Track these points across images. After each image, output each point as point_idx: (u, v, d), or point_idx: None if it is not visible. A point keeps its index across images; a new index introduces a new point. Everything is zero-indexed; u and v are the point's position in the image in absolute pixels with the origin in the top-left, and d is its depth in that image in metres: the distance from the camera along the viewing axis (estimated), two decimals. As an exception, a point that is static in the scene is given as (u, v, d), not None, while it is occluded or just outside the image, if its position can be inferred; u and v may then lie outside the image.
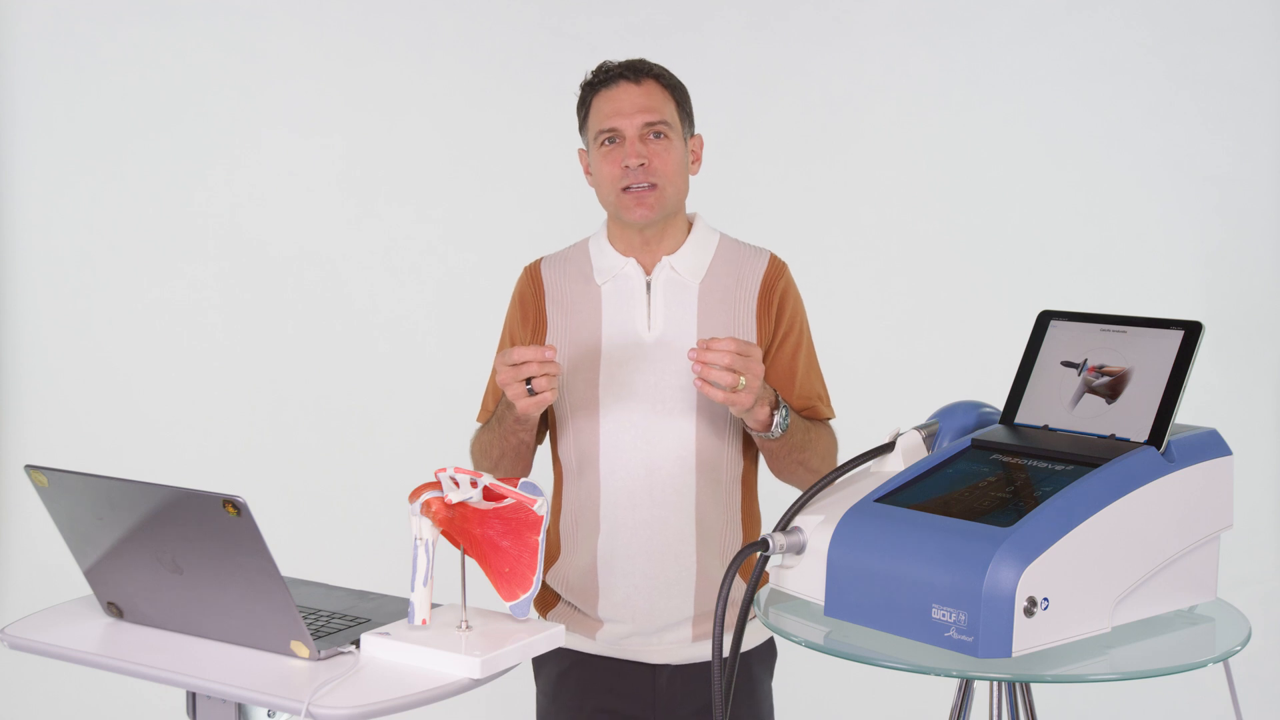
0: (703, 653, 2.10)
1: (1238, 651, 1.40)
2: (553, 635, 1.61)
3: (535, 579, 1.58)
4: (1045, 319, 1.60)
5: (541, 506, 1.56)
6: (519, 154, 3.66)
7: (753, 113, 3.65)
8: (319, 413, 3.73)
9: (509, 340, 2.18)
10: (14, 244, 3.72)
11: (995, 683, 1.51)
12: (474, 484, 1.56)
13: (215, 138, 3.70)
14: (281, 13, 3.69)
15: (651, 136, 2.05)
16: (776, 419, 1.96)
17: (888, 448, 1.59)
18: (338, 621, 1.67)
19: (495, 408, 2.10)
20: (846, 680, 2.77)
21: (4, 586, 3.72)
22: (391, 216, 3.75)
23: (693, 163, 2.14)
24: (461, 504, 1.57)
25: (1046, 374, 1.56)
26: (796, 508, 1.53)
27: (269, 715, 1.54)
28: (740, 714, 2.13)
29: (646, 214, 2.05)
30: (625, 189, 2.05)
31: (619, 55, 2.13)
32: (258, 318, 3.73)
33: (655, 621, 2.07)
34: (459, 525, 1.59)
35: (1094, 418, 1.50)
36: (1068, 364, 1.55)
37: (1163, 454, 1.43)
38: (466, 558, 1.61)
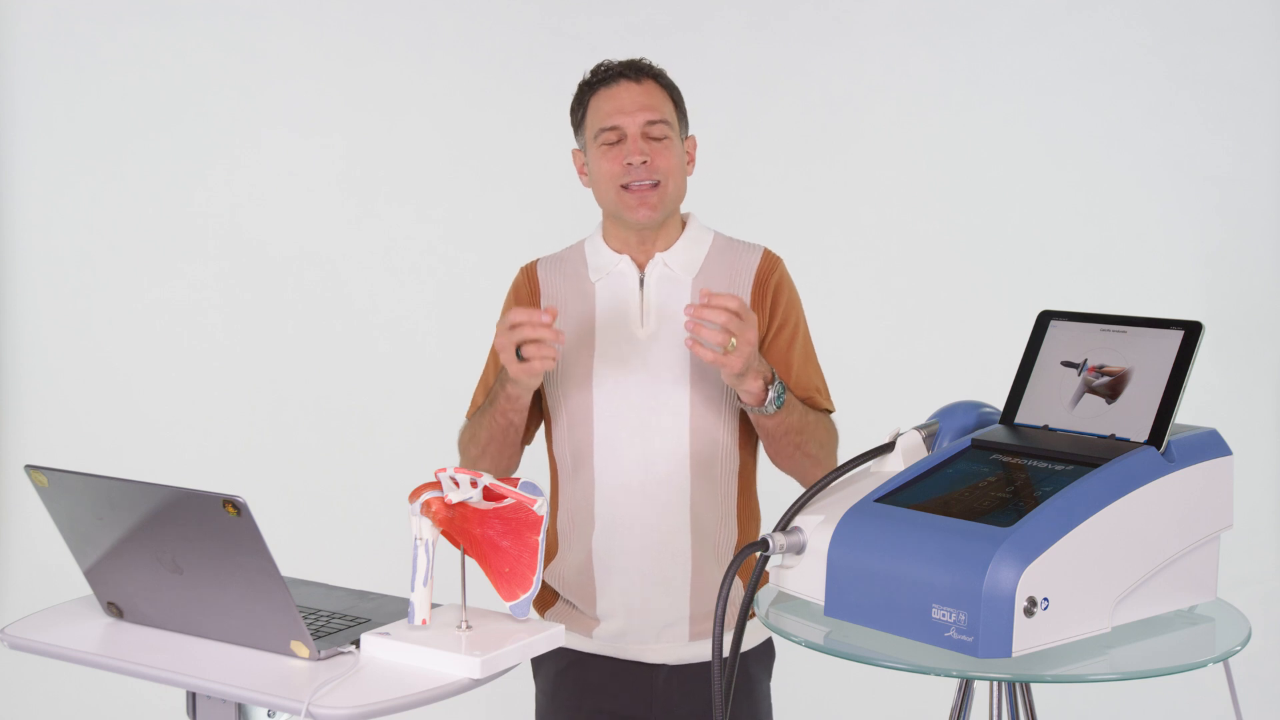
0: (700, 653, 2.10)
1: (1238, 651, 1.40)
2: (552, 635, 1.61)
3: (535, 579, 1.58)
4: (1045, 319, 1.60)
5: (541, 506, 1.56)
6: (519, 154, 3.66)
7: (753, 113, 3.65)
8: (319, 413, 3.73)
9: None
10: (14, 244, 3.72)
11: (995, 683, 1.51)
12: (474, 484, 1.56)
13: (215, 138, 3.70)
14: (281, 13, 3.69)
15: (653, 135, 2.05)
16: (771, 393, 1.95)
17: (888, 448, 1.59)
18: (338, 621, 1.67)
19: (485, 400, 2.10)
20: (846, 680, 2.77)
21: (4, 586, 3.72)
22: (391, 216, 3.75)
23: (688, 163, 2.15)
24: (461, 504, 1.57)
25: (1046, 374, 1.56)
26: (796, 507, 1.53)
27: (269, 715, 1.54)
28: (739, 715, 2.13)
29: (650, 214, 2.06)
30: (625, 186, 2.05)
31: (619, 55, 2.13)
32: (258, 318, 3.73)
33: (651, 619, 2.08)
34: (459, 525, 1.59)
35: (1094, 418, 1.50)
36: (1068, 364, 1.55)
37: (1163, 454, 1.43)
38: (466, 558, 1.61)
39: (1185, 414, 1.48)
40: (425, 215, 3.75)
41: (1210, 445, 1.47)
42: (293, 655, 1.55)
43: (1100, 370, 1.52)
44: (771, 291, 2.11)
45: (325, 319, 3.73)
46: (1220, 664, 1.40)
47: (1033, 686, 1.53)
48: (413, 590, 1.58)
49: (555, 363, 1.91)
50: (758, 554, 1.48)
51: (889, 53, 3.62)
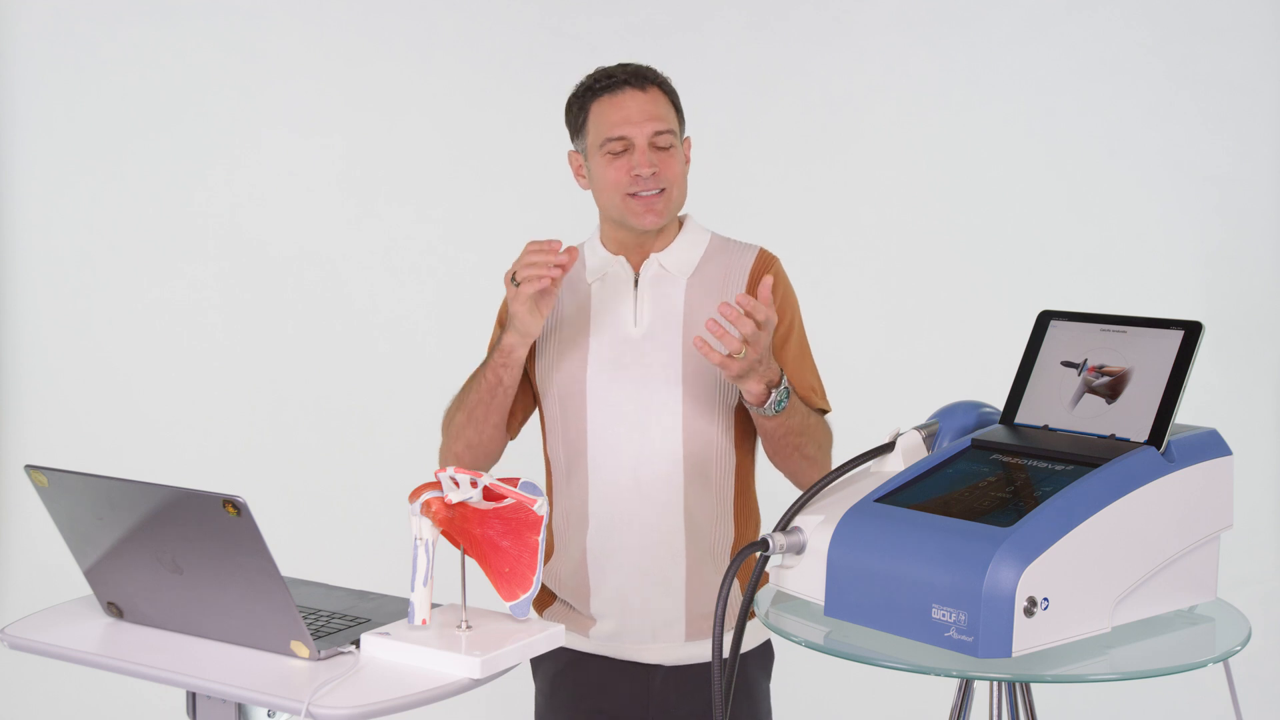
0: (697, 654, 2.10)
1: (1238, 651, 1.40)
2: (552, 635, 1.61)
3: (535, 579, 1.58)
4: (1045, 319, 1.60)
5: (541, 506, 1.56)
6: (519, 154, 3.66)
7: (753, 113, 3.64)
8: (319, 413, 3.73)
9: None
10: (14, 244, 3.72)
11: (995, 683, 1.51)
12: (474, 484, 1.56)
13: (215, 138, 3.70)
14: (281, 13, 3.69)
15: (659, 145, 2.06)
16: (774, 396, 1.95)
17: (888, 448, 1.59)
18: (338, 621, 1.67)
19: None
20: (846, 680, 2.77)
21: (4, 586, 3.72)
22: (391, 216, 3.75)
23: (684, 164, 2.15)
24: (461, 504, 1.57)
25: (1046, 374, 1.56)
26: (796, 507, 1.53)
27: (269, 715, 1.54)
28: (739, 716, 2.12)
29: (657, 220, 2.07)
30: (631, 194, 2.05)
31: (619, 55, 2.13)
32: (258, 318, 3.73)
33: (647, 619, 2.08)
34: (459, 525, 1.59)
35: (1094, 418, 1.50)
36: (1068, 364, 1.55)
37: (1163, 454, 1.43)
38: (466, 558, 1.61)
39: (1185, 414, 1.48)
40: (425, 215, 3.74)
41: (1210, 445, 1.47)
42: (293, 655, 1.55)
43: (1100, 370, 1.52)
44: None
45: (325, 319, 3.73)
46: (1220, 664, 1.40)
47: (1033, 686, 1.53)
48: (413, 590, 1.58)
49: (548, 286, 1.93)
50: (757, 554, 1.48)
51: (889, 53, 3.62)
